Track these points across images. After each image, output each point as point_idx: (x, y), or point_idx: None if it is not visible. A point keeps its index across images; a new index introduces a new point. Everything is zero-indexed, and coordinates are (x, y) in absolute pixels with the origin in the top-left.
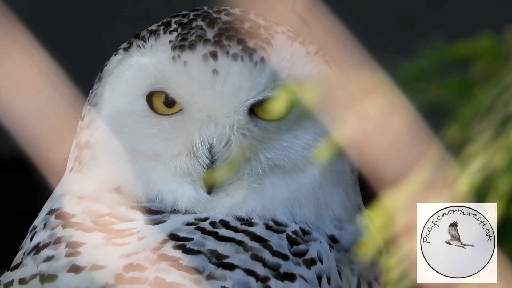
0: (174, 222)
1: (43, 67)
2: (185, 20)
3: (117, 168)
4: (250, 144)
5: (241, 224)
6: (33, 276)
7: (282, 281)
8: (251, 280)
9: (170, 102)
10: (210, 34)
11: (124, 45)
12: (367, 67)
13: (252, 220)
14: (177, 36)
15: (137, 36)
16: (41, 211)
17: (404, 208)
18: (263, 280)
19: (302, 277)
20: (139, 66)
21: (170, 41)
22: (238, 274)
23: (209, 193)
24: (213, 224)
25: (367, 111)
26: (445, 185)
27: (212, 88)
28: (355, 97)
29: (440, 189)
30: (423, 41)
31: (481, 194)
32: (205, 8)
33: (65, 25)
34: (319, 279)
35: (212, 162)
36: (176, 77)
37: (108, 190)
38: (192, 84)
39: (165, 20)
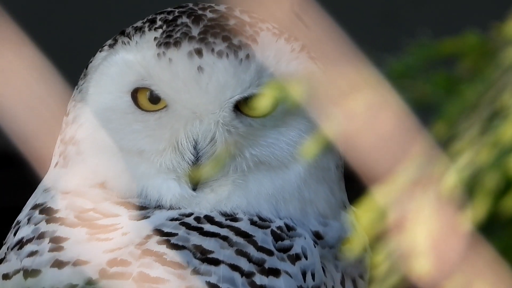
0: (158, 218)
1: (33, 63)
2: (170, 17)
3: (102, 163)
4: (235, 141)
5: (226, 220)
6: (17, 271)
7: (267, 277)
8: (236, 275)
9: (155, 99)
10: (195, 31)
11: (109, 41)
12: (354, 63)
13: (237, 216)
14: (162, 33)
15: (122, 33)
16: (25, 206)
17: (392, 204)
18: (248, 275)
19: (286, 272)
20: (124, 63)
21: (155, 38)
22: (222, 269)
23: (194, 189)
24: (197, 219)
25: (355, 107)
26: (432, 181)
27: (197, 85)
28: (343, 93)
29: (427, 185)
30: (409, 38)
31: (468, 190)
32: (190, 5)
33: (55, 20)
34: (304, 274)
35: (197, 159)
36: (161, 74)
37: (93, 185)
38: (177, 81)
39: (150, 17)
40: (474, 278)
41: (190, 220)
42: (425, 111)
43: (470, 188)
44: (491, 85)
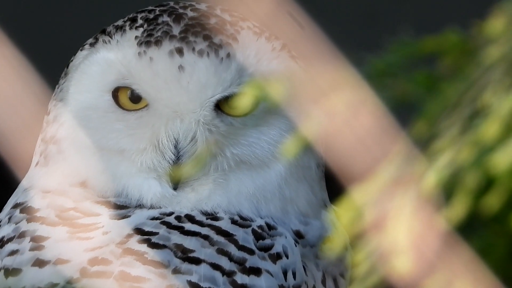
0: (139, 217)
1: (12, 62)
2: (151, 16)
3: (83, 162)
4: (216, 140)
5: (207, 219)
6: None
7: (248, 276)
8: (217, 274)
9: (135, 98)
10: (176, 30)
11: (90, 40)
12: (335, 62)
13: (218, 215)
14: (143, 32)
15: (103, 32)
16: (6, 205)
17: (372, 203)
18: (229, 274)
19: (268, 271)
20: (105, 62)
21: (136, 37)
22: (203, 268)
23: (175, 188)
24: (178, 218)
25: (335, 106)
26: (412, 180)
27: (178, 84)
28: (323, 92)
29: (407, 184)
30: (390, 37)
31: (448, 190)
32: (171, 4)
33: (34, 19)
34: (285, 273)
35: (178, 158)
36: (142, 73)
37: (74, 184)
38: (158, 80)
39: (131, 16)
40: (454, 278)
41: (171, 219)
42: (406, 110)
43: (450, 187)
44: (472, 83)
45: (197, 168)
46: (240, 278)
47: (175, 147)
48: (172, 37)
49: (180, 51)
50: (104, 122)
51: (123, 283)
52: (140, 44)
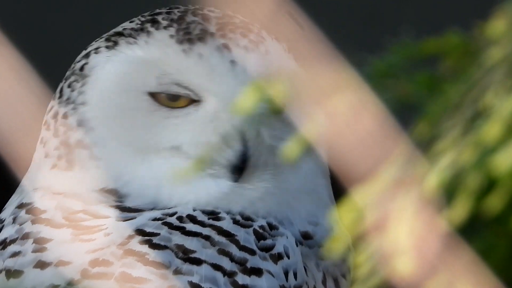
0: (141, 218)
1: (12, 62)
2: (175, 17)
3: (122, 167)
4: (274, 135)
5: (208, 219)
6: None
7: (249, 276)
8: (218, 275)
9: (173, 97)
10: (211, 28)
11: (103, 43)
12: (336, 63)
13: (219, 215)
14: (178, 31)
15: (121, 34)
16: (8, 204)
17: (373, 205)
18: (230, 274)
19: (269, 272)
20: (137, 62)
21: (171, 36)
22: (205, 269)
23: (235, 181)
24: (180, 219)
25: (336, 107)
26: (414, 181)
27: (234, 77)
28: (324, 94)
29: (409, 185)
30: (391, 37)
31: (450, 191)
32: (181, 8)
33: (34, 19)
34: (286, 274)
35: (242, 151)
36: (193, 70)
37: (100, 189)
38: (213, 74)
39: (144, 19)
40: (456, 279)
41: (173, 220)
42: (407, 111)
43: (452, 188)
44: (474, 84)
45: (257, 162)
46: (241, 278)
47: (240, 139)
48: (212, 34)
49: (226, 47)
50: (151, 122)
51: (124, 284)
52: (180, 42)
